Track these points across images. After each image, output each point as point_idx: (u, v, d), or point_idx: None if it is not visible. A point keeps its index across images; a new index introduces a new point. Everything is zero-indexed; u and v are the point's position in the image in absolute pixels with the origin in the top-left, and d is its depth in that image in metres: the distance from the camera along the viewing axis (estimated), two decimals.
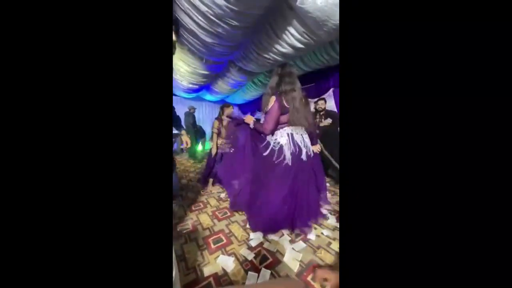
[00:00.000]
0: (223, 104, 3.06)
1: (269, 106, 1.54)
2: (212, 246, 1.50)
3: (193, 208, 2.20)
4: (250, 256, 1.39)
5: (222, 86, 5.75)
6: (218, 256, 1.38)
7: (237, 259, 1.37)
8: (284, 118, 1.56)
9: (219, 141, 2.90)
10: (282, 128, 1.59)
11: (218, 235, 1.64)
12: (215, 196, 2.59)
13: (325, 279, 0.59)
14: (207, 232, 1.70)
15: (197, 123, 6.29)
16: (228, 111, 2.95)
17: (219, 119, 2.92)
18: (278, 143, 1.58)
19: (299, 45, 2.98)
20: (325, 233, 1.69)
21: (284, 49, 3.17)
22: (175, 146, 6.78)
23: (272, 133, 1.61)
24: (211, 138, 2.98)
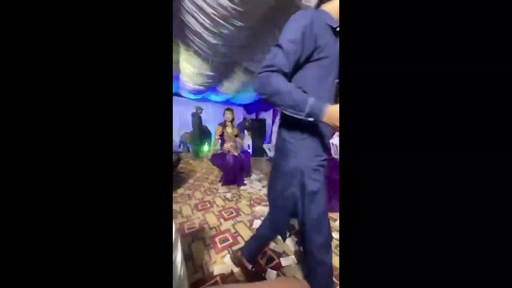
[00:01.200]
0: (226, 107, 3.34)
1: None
2: (219, 245, 1.52)
3: (200, 208, 2.23)
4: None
5: (228, 86, 5.75)
6: (225, 255, 1.40)
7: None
8: None
9: (227, 145, 3.19)
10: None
11: (225, 235, 1.66)
12: (221, 196, 2.61)
13: None
14: (213, 232, 1.72)
15: (203, 124, 6.40)
16: (227, 115, 3.19)
17: (222, 124, 3.22)
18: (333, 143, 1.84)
19: None
20: (334, 236, 1.68)
21: None
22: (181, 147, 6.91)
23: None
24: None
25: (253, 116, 8.80)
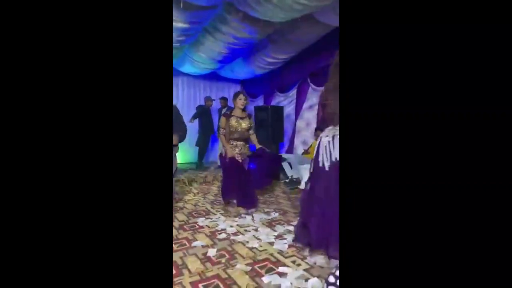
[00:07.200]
0: (237, 92, 2.57)
1: None
2: None
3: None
4: None
5: (214, 49, 3.71)
6: None
7: None
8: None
9: (229, 146, 2.42)
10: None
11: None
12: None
13: None
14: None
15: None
16: (240, 102, 2.41)
17: (226, 115, 2.46)
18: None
19: None
20: None
21: None
22: None
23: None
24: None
25: (259, 101, 5.63)
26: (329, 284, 0.80)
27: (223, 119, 2.44)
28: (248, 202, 2.33)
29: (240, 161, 2.39)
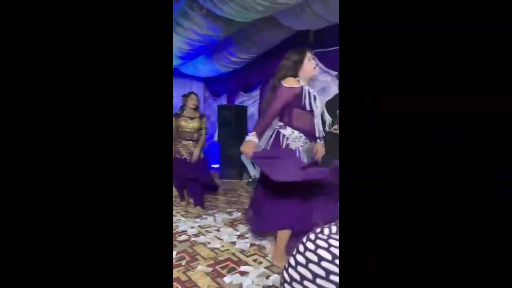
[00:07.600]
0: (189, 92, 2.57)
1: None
2: None
3: None
4: None
5: (175, 45, 3.72)
6: None
7: None
8: None
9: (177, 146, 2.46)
10: None
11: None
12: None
13: None
14: None
15: None
16: (191, 102, 2.48)
17: (176, 114, 2.50)
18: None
19: None
20: None
21: None
22: None
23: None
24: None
25: (222, 99, 5.74)
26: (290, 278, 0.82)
27: (173, 118, 2.47)
28: (195, 200, 2.42)
29: (189, 161, 2.41)
